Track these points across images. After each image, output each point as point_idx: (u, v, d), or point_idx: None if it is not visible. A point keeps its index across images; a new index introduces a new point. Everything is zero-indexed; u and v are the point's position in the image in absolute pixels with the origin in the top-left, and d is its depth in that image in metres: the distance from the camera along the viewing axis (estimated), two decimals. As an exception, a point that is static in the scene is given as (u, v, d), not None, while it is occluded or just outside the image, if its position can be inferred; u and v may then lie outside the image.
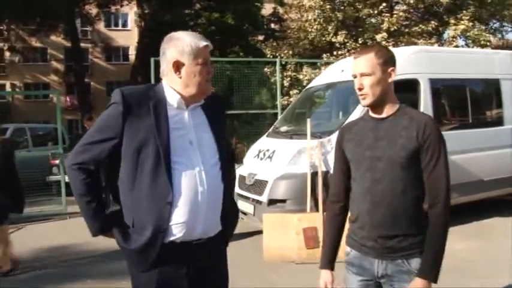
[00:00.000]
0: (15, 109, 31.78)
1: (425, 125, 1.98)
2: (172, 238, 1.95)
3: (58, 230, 7.42)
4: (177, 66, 1.98)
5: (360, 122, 2.20)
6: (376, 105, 2.07)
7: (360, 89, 2.06)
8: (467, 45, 14.26)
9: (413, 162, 1.99)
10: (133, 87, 2.09)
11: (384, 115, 2.08)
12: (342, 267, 2.23)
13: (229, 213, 2.16)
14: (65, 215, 8.14)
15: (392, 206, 1.99)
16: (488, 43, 13.73)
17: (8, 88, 33.67)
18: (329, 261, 2.24)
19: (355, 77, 2.08)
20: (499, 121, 7.23)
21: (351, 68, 2.09)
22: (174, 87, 2.02)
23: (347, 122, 5.84)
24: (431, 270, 1.96)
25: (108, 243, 2.08)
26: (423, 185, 2.02)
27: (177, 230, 1.95)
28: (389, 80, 2.06)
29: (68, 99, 34.07)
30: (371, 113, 2.12)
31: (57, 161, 9.64)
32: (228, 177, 2.12)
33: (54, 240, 6.59)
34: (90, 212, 2.01)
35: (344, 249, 2.21)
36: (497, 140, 7.00)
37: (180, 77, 1.99)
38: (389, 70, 2.05)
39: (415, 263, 2.00)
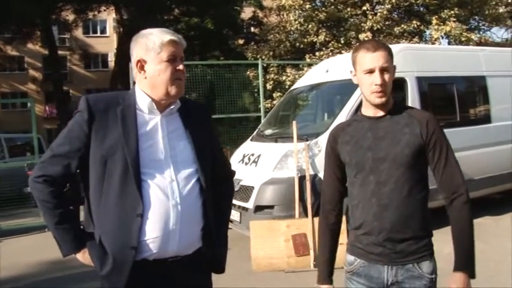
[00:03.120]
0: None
1: (427, 121, 1.93)
2: (144, 255, 1.76)
3: (38, 244, 7.03)
4: (141, 65, 1.81)
5: (352, 123, 2.05)
6: (385, 103, 1.94)
7: (382, 85, 1.88)
8: (449, 44, 14.22)
9: (418, 160, 1.89)
10: (102, 93, 1.93)
11: (381, 113, 1.95)
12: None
13: (215, 230, 1.95)
14: (44, 228, 7.78)
15: (400, 209, 1.88)
16: (470, 42, 13.69)
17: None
18: (328, 276, 2.09)
19: (371, 71, 1.88)
20: (486, 119, 7.13)
21: (368, 62, 1.88)
22: (145, 90, 1.83)
23: (334, 123, 5.86)
24: (467, 264, 1.85)
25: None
26: (428, 185, 1.93)
27: (149, 246, 1.76)
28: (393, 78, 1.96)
29: (47, 108, 33.45)
30: (364, 112, 1.99)
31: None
32: (213, 190, 1.92)
33: (35, 256, 6.18)
34: (63, 227, 1.81)
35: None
36: (486, 138, 6.90)
37: (146, 77, 1.81)
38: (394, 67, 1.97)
39: (426, 266, 1.91)
